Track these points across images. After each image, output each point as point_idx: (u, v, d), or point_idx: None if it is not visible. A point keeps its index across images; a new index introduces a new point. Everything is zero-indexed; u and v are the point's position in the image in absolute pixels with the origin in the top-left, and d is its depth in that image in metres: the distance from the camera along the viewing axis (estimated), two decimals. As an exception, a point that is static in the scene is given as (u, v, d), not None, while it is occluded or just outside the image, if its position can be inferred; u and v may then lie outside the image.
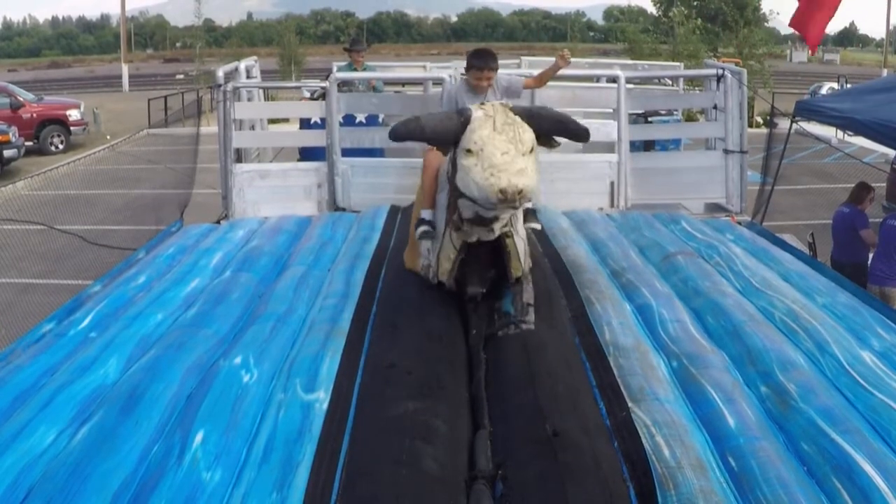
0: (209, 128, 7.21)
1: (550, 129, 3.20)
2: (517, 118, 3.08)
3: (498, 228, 3.30)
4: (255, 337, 3.28)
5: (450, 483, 2.33)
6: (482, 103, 3.25)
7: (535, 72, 6.19)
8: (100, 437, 2.48)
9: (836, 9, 7.32)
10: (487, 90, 4.23)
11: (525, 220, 3.64)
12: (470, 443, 2.61)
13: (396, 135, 3.17)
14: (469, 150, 3.01)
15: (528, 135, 3.05)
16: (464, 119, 3.08)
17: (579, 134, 3.27)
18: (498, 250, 3.41)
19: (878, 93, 6.20)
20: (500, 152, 2.94)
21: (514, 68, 8.69)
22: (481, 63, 4.19)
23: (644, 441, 2.53)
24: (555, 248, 4.54)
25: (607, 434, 2.63)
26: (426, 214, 3.66)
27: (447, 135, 3.11)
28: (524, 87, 4.62)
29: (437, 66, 9.05)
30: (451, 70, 7.29)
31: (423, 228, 3.63)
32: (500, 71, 4.38)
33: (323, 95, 6.17)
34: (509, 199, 2.86)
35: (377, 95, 6.96)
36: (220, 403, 2.71)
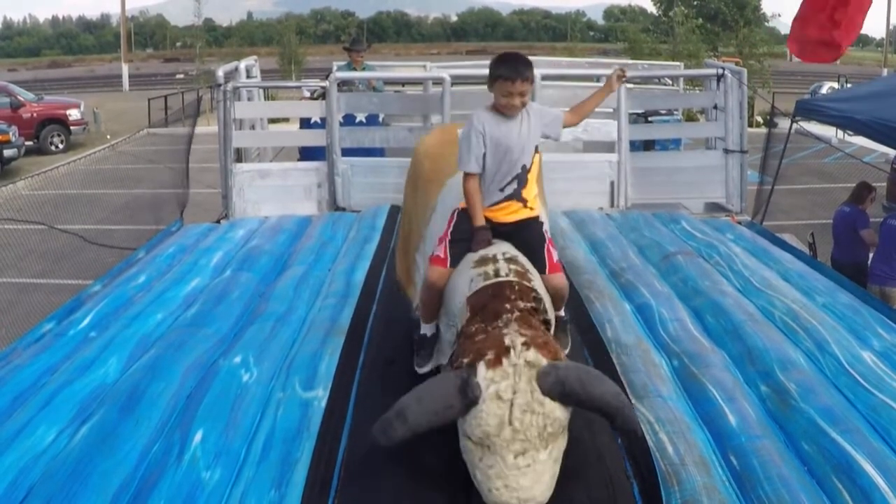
0: (209, 127, 7.22)
1: (592, 411, 2.28)
2: (547, 401, 2.15)
3: None
4: (255, 336, 3.29)
5: (449, 480, 2.33)
6: (498, 360, 2.21)
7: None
8: (100, 437, 2.49)
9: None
10: (521, 116, 2.88)
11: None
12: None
13: (384, 444, 2.24)
14: (472, 440, 2.20)
15: (560, 421, 2.19)
16: (468, 402, 2.18)
17: (626, 433, 2.43)
18: None
19: (879, 92, 6.20)
20: (513, 455, 2.12)
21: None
22: (511, 73, 2.79)
23: (647, 438, 2.54)
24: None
25: (611, 430, 2.63)
26: (426, 329, 2.90)
27: (450, 422, 2.25)
28: (564, 125, 3.07)
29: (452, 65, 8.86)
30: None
31: (418, 359, 2.89)
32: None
33: (323, 95, 6.17)
34: None
35: (377, 95, 6.96)
36: (219, 402, 2.71)
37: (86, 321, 3.58)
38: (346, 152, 6.01)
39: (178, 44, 59.70)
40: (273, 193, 5.99)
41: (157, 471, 2.35)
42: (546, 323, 2.52)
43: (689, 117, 11.49)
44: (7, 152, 15.87)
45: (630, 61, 16.53)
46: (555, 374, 2.17)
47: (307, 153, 6.78)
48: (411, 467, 2.33)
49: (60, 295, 4.91)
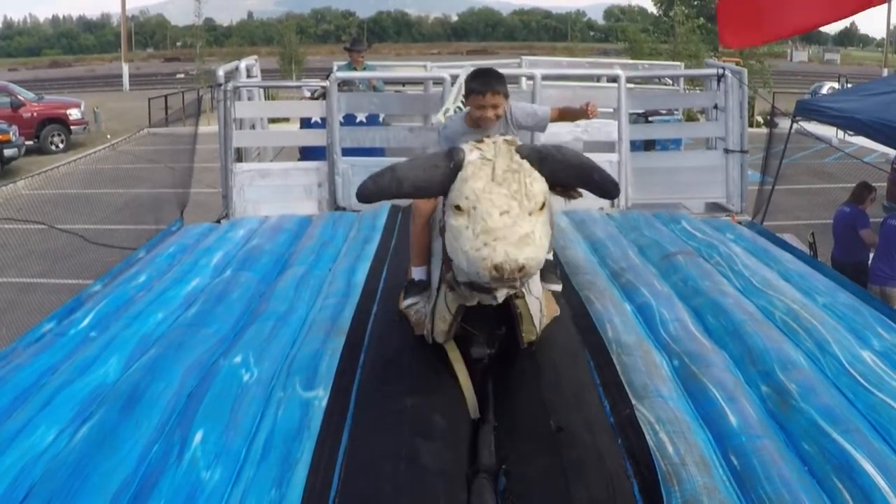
0: (209, 127, 7.21)
1: (569, 177, 2.47)
2: (525, 163, 2.37)
3: (502, 295, 2.56)
4: (256, 336, 3.29)
5: (449, 478, 2.34)
6: (480, 142, 2.48)
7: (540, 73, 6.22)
8: (100, 437, 2.48)
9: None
10: (495, 125, 3.04)
11: (542, 278, 2.99)
12: (473, 438, 2.61)
13: (366, 194, 2.44)
14: (458, 207, 2.32)
15: (539, 185, 2.35)
16: (454, 164, 2.37)
17: (606, 188, 2.55)
18: (506, 307, 2.71)
19: (879, 92, 6.19)
20: (499, 211, 2.25)
21: (514, 68, 8.68)
22: (482, 87, 2.96)
23: (648, 437, 2.54)
24: (553, 248, 4.54)
25: (611, 430, 2.64)
26: (417, 274, 3.01)
27: (433, 187, 2.43)
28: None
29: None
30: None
31: (410, 301, 3.01)
32: (512, 99, 3.19)
33: (323, 95, 6.18)
34: (507, 277, 2.20)
35: (378, 95, 6.96)
36: (219, 402, 2.71)
37: (86, 321, 3.58)
38: (347, 152, 6.01)
39: (179, 43, 59.74)
40: (273, 193, 5.99)
41: (158, 471, 2.35)
42: None
43: (690, 117, 11.48)
44: (7, 152, 15.89)
45: (630, 61, 16.54)
46: (531, 145, 2.49)
47: (307, 153, 6.78)
48: (411, 467, 2.33)
49: (60, 295, 4.91)
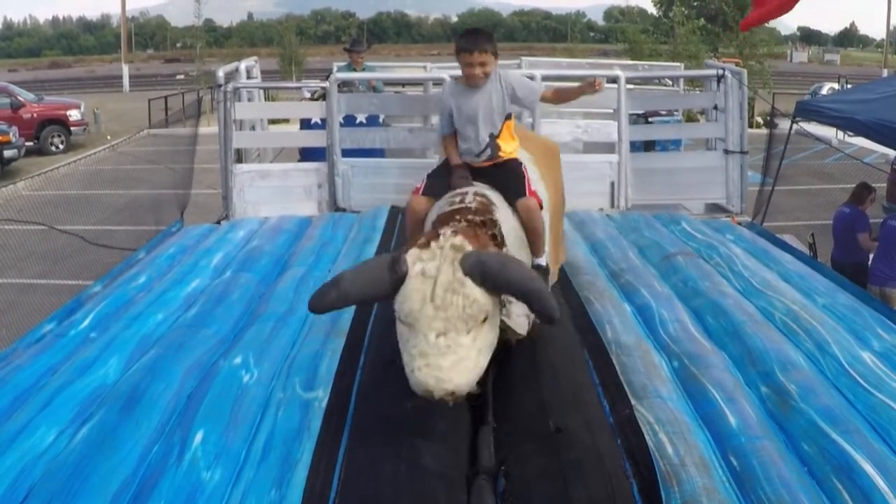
0: (209, 128, 7.22)
1: (511, 295, 2.41)
2: (467, 281, 2.28)
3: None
4: (256, 337, 3.29)
5: (449, 479, 2.34)
6: (427, 243, 2.39)
7: (540, 74, 6.21)
8: (100, 437, 2.49)
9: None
10: (486, 86, 3.10)
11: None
12: (472, 439, 2.61)
13: (317, 308, 2.41)
14: (401, 319, 2.34)
15: (478, 305, 2.28)
16: (396, 279, 2.32)
17: (545, 316, 2.44)
18: None
19: (879, 93, 6.20)
20: (436, 333, 2.23)
21: (514, 68, 8.69)
22: (469, 44, 3.03)
23: (647, 438, 2.54)
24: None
25: (610, 431, 2.64)
26: None
27: (379, 297, 2.41)
28: (542, 101, 3.43)
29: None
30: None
31: None
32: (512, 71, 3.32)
33: (323, 96, 6.17)
34: (437, 398, 2.22)
35: (377, 96, 6.95)
36: (219, 403, 2.71)
37: (86, 322, 3.58)
38: (347, 153, 6.01)
39: (179, 44, 59.75)
40: (273, 194, 5.98)
41: (158, 471, 2.35)
42: (494, 238, 2.63)
43: (690, 118, 11.48)
44: (7, 153, 15.89)
45: (630, 62, 16.54)
46: (476, 257, 2.32)
47: (307, 154, 6.78)
48: (411, 468, 2.33)
49: (60, 295, 4.91)
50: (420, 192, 3.04)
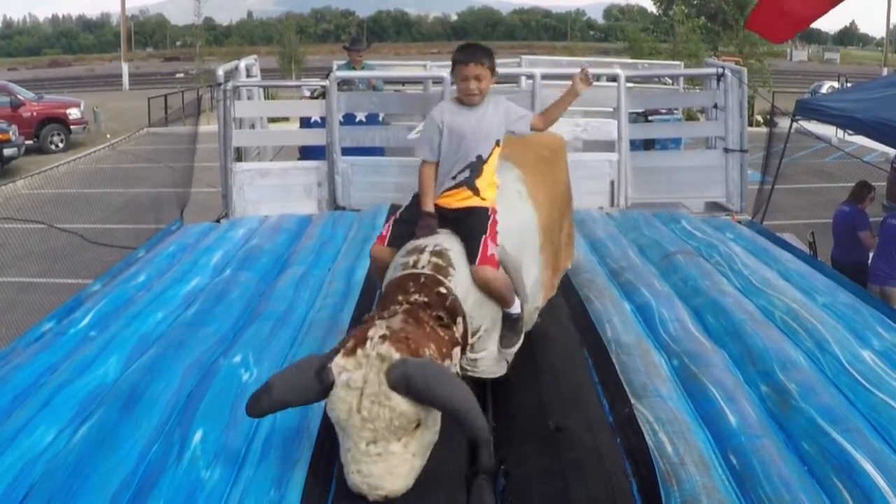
0: (209, 126, 7.21)
1: (438, 410, 2.30)
2: (393, 395, 2.19)
3: None
4: (255, 336, 3.29)
5: (448, 479, 2.33)
6: (353, 350, 2.29)
7: (541, 72, 6.21)
8: (100, 436, 2.49)
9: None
10: (480, 106, 2.94)
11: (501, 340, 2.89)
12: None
13: (252, 414, 2.37)
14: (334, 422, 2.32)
15: (408, 416, 2.21)
16: (323, 386, 2.26)
17: (473, 438, 2.35)
18: None
19: (879, 91, 6.19)
20: (365, 442, 2.21)
21: (513, 67, 8.67)
22: (465, 57, 2.90)
23: (647, 437, 2.54)
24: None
25: (610, 430, 2.64)
26: None
27: (311, 401, 2.35)
28: (533, 129, 3.13)
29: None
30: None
31: None
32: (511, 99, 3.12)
33: (323, 94, 6.17)
34: (372, 501, 2.23)
35: (377, 94, 6.95)
36: (219, 402, 2.71)
37: (86, 320, 3.58)
38: (346, 151, 6.01)
39: (178, 43, 59.63)
40: (273, 192, 5.99)
41: (157, 470, 2.35)
42: (440, 319, 2.53)
43: (690, 116, 11.48)
44: (7, 151, 15.86)
45: (630, 60, 16.53)
46: (402, 369, 2.21)
47: (307, 152, 6.78)
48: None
49: (60, 294, 4.91)
50: (385, 241, 2.95)
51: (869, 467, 2.34)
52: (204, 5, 32.85)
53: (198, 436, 2.50)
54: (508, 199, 3.07)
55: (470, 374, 2.77)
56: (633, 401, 2.78)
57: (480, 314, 2.75)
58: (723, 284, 3.94)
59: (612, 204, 6.01)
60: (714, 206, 6.24)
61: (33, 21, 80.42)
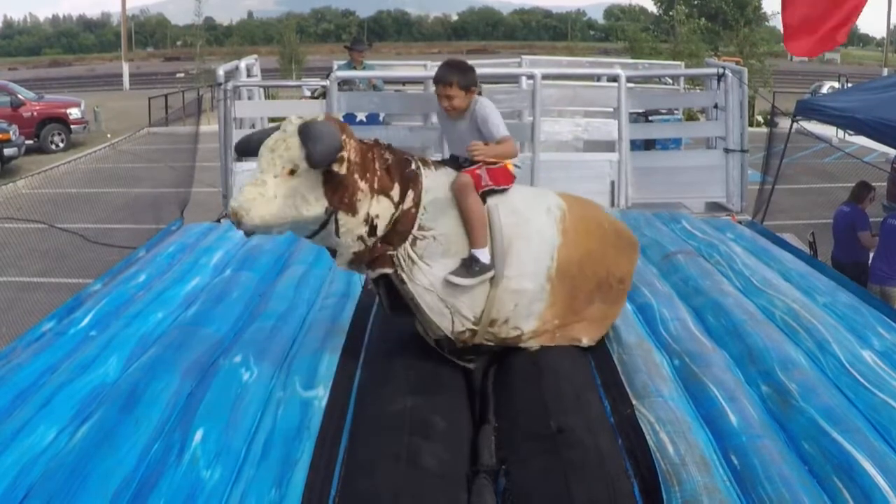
0: (210, 126, 7.21)
1: (306, 141, 2.69)
2: (294, 137, 2.66)
3: (344, 263, 2.89)
4: (256, 336, 3.28)
5: (449, 479, 2.33)
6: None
7: (538, 69, 6.20)
8: (100, 436, 2.48)
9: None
10: (460, 118, 3.06)
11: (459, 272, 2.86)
12: (473, 437, 2.61)
13: (237, 151, 3.09)
14: None
15: (291, 154, 2.65)
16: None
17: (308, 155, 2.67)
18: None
19: (879, 92, 6.19)
20: (260, 170, 2.69)
21: (514, 67, 8.68)
22: (437, 76, 3.08)
23: (648, 437, 2.54)
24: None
25: (611, 430, 2.63)
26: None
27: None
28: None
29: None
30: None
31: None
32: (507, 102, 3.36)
33: (323, 94, 6.18)
34: (233, 222, 2.69)
35: (378, 94, 6.96)
36: (219, 402, 2.71)
37: (86, 320, 3.58)
38: (347, 151, 6.00)
39: (179, 43, 59.57)
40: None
41: (157, 470, 2.34)
42: (386, 162, 2.83)
43: (690, 117, 11.49)
44: (7, 151, 15.87)
45: (630, 60, 16.52)
46: (308, 120, 2.68)
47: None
48: (411, 467, 2.33)
49: (60, 294, 4.91)
50: None
51: (869, 467, 2.34)
52: (204, 5, 32.81)
53: (198, 436, 2.49)
54: (537, 208, 3.09)
55: (406, 285, 2.86)
56: (634, 401, 2.78)
57: (435, 215, 2.86)
58: (723, 284, 3.94)
59: (612, 204, 6.01)
60: (714, 207, 6.24)
61: (34, 21, 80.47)
